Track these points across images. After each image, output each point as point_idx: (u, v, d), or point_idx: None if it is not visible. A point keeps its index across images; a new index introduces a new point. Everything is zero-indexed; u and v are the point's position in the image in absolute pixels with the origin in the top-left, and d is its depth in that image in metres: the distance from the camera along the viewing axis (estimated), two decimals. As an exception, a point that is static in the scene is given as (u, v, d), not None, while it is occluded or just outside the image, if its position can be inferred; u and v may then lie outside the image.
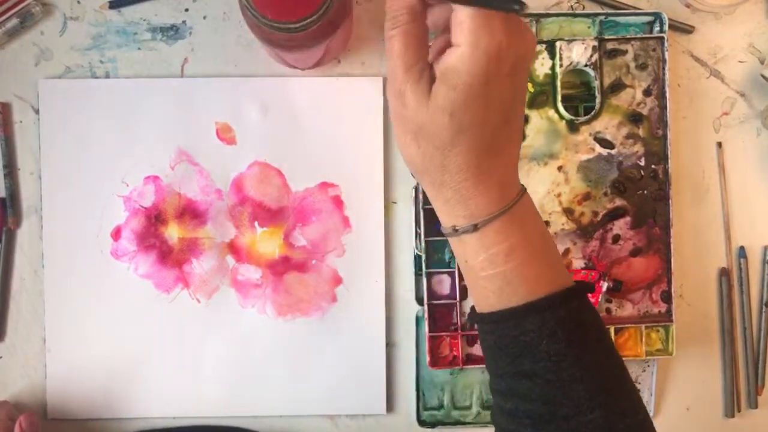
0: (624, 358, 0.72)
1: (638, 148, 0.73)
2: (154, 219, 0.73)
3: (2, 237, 0.73)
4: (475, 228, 0.46)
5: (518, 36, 0.44)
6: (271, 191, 0.73)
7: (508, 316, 0.46)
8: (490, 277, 0.46)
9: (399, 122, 0.46)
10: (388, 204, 0.74)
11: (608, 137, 0.72)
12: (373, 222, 0.74)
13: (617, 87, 0.72)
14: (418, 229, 0.72)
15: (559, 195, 0.72)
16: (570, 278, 0.49)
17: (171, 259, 0.73)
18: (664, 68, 0.72)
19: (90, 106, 0.73)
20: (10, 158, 0.73)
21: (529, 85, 0.72)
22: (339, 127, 0.73)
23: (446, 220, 0.48)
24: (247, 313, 0.73)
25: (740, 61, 0.76)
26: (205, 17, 0.74)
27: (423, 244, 0.72)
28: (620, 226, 0.73)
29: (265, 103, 0.73)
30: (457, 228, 0.46)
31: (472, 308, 0.49)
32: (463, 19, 0.43)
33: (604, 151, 0.72)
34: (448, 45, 0.45)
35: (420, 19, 0.46)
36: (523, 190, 0.48)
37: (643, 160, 0.73)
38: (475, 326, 0.49)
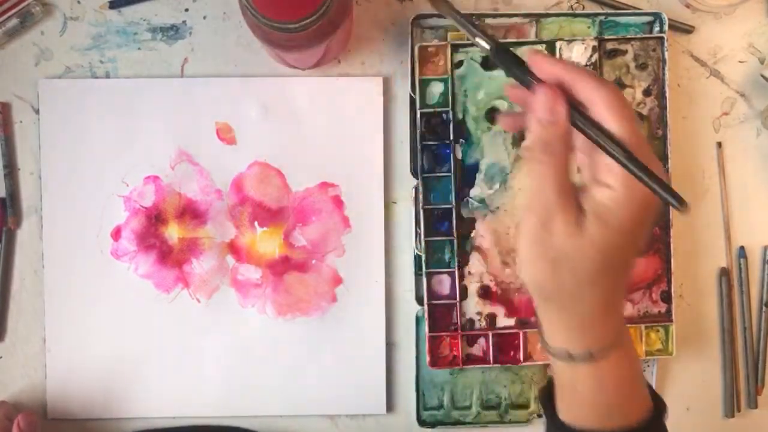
0: (624, 359, 0.73)
1: (638, 148, 0.73)
2: (154, 219, 0.73)
3: (2, 237, 0.73)
4: (591, 357, 0.47)
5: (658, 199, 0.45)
6: (271, 191, 0.73)
7: None
8: (596, 402, 0.48)
9: (536, 247, 0.45)
10: (388, 204, 0.74)
11: (608, 137, 0.72)
12: (373, 222, 0.74)
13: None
14: (418, 229, 0.72)
15: (559, 195, 0.72)
16: (648, 397, 0.51)
17: (171, 259, 0.73)
18: (664, 68, 0.72)
19: (90, 106, 0.73)
20: (10, 158, 0.73)
21: (529, 85, 0.72)
22: (339, 127, 0.74)
23: (560, 343, 0.48)
24: (247, 312, 0.73)
25: (740, 61, 0.76)
26: (205, 17, 0.74)
27: (423, 244, 0.72)
28: (620, 226, 0.73)
29: (265, 103, 0.73)
30: (572, 354, 0.47)
31: (550, 405, 0.50)
32: (618, 168, 0.44)
33: (604, 151, 0.72)
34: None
35: (570, 146, 0.46)
36: (626, 328, 0.50)
37: (643, 160, 0.73)
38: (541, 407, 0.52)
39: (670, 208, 0.69)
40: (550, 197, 0.45)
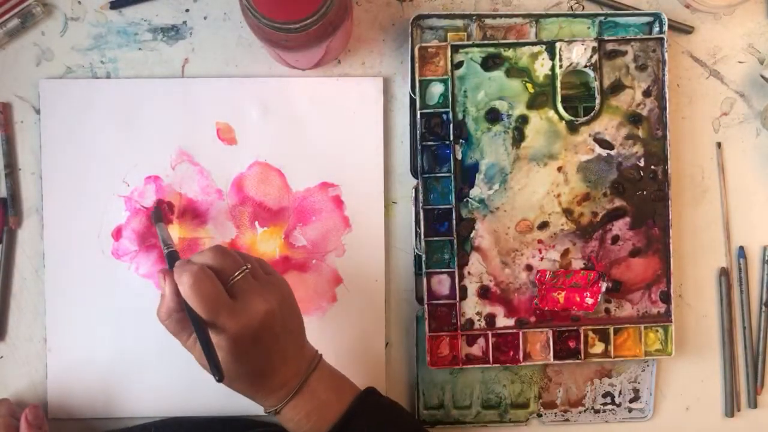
0: (623, 358, 0.73)
1: (638, 148, 0.73)
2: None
3: (3, 237, 0.73)
4: (277, 412, 0.63)
5: (249, 314, 0.59)
6: (272, 191, 0.74)
7: None
8: (305, 428, 0.63)
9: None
10: (388, 204, 0.75)
11: (608, 138, 0.73)
12: (373, 222, 0.74)
13: (617, 88, 0.73)
14: (418, 229, 0.73)
15: (558, 195, 0.72)
16: (353, 389, 0.65)
17: (171, 258, 0.73)
18: (663, 69, 0.73)
19: (91, 107, 0.73)
20: (11, 158, 0.73)
21: (529, 86, 0.72)
22: (339, 127, 0.74)
23: (261, 406, 0.64)
24: (248, 312, 0.73)
25: (740, 62, 0.76)
26: (205, 18, 0.74)
27: (423, 244, 0.72)
28: (620, 227, 0.73)
29: (265, 103, 0.73)
30: (267, 412, 0.63)
31: None
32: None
33: (604, 152, 0.73)
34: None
35: (176, 312, 0.61)
36: (312, 365, 0.64)
37: (642, 160, 0.73)
38: None
39: (669, 209, 0.70)
40: (180, 341, 0.62)
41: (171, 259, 0.64)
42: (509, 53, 0.72)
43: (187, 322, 0.60)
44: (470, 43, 0.72)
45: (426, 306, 0.72)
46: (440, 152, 0.72)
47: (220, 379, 0.57)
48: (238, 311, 0.59)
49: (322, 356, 0.65)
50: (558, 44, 0.71)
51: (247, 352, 0.60)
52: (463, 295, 0.72)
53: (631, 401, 0.76)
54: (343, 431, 0.62)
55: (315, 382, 0.63)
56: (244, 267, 0.61)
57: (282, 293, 0.63)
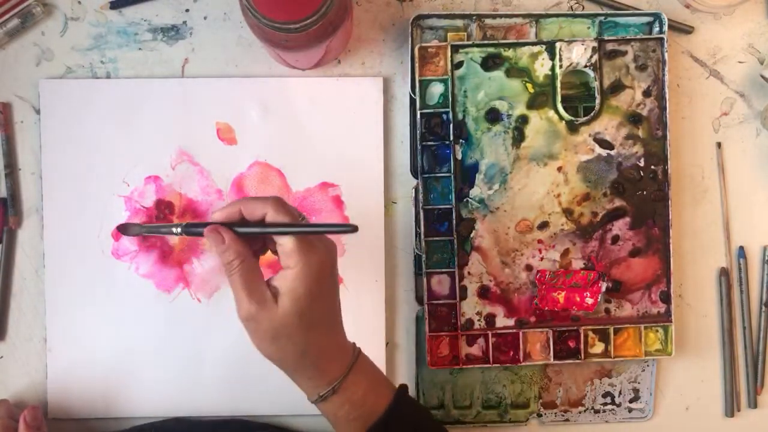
0: (623, 358, 0.73)
1: (638, 148, 0.73)
2: (155, 219, 0.73)
3: (3, 237, 0.73)
4: (334, 390, 0.59)
5: (328, 248, 0.58)
6: (272, 191, 0.74)
7: None
8: (355, 418, 0.60)
9: (255, 335, 0.58)
10: (388, 204, 0.75)
11: (608, 138, 0.73)
12: (373, 222, 0.74)
13: (617, 88, 0.73)
14: (418, 229, 0.73)
15: (558, 195, 0.72)
16: (390, 388, 0.63)
17: (172, 258, 0.73)
18: (663, 69, 0.73)
19: (91, 107, 0.73)
20: (11, 158, 0.73)
21: (529, 86, 0.72)
22: (339, 127, 0.74)
23: (312, 392, 0.60)
24: (248, 312, 0.73)
25: (740, 62, 0.76)
26: (205, 18, 0.74)
27: (423, 244, 0.72)
28: (620, 227, 0.73)
29: (265, 103, 0.73)
30: (322, 394, 0.60)
31: None
32: (290, 248, 0.56)
33: (604, 152, 0.73)
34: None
35: (248, 256, 0.58)
36: (356, 347, 0.62)
37: (642, 160, 0.73)
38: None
39: (669, 209, 0.69)
40: (244, 300, 0.57)
41: (197, 226, 0.61)
42: (509, 53, 0.72)
43: (258, 270, 0.58)
44: (470, 43, 0.72)
45: (426, 306, 0.72)
46: (440, 152, 0.72)
47: (355, 228, 0.55)
48: (318, 242, 0.58)
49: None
50: (558, 44, 0.71)
51: (327, 284, 0.58)
52: (463, 295, 0.72)
53: (631, 401, 0.76)
54: (391, 424, 0.60)
55: (365, 362, 0.62)
56: (304, 215, 0.61)
57: (336, 248, 0.61)
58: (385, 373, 0.73)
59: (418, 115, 0.72)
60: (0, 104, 0.73)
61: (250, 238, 0.59)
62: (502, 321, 0.73)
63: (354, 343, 0.63)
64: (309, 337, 0.58)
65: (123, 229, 0.71)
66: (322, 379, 0.59)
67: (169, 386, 0.73)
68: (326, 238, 0.60)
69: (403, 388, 0.63)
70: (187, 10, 0.74)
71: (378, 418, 0.60)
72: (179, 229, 0.62)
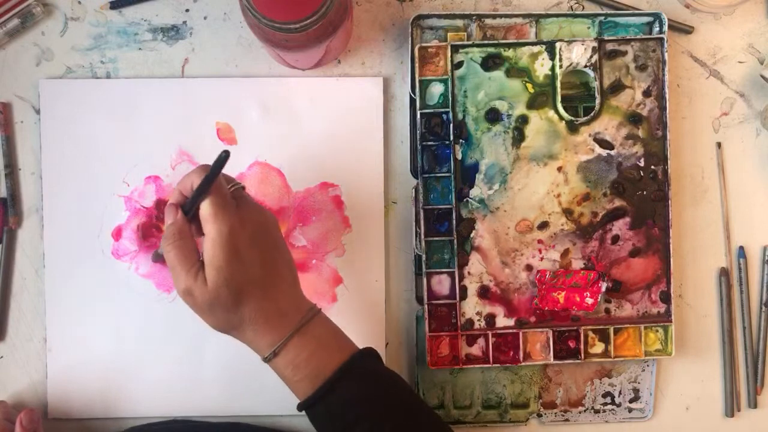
0: (623, 358, 0.73)
1: (638, 148, 0.73)
2: (155, 219, 0.73)
3: (3, 237, 0.73)
4: (275, 353, 0.60)
5: (247, 214, 0.60)
6: (272, 191, 0.74)
7: (319, 396, 0.60)
8: (300, 380, 0.60)
9: (196, 310, 0.60)
10: (388, 204, 0.75)
11: (608, 138, 0.73)
12: (373, 222, 0.74)
13: (617, 88, 0.73)
14: (418, 229, 0.73)
15: (558, 195, 0.72)
16: (352, 345, 0.63)
17: (171, 258, 0.73)
18: (663, 69, 0.73)
19: (91, 107, 0.73)
20: (11, 158, 0.73)
21: (529, 86, 0.72)
22: (339, 127, 0.74)
23: (260, 353, 0.61)
24: (248, 312, 0.73)
25: (740, 62, 0.76)
26: (205, 18, 0.74)
27: (423, 244, 0.72)
28: (620, 227, 0.73)
29: (265, 103, 0.73)
30: (265, 356, 0.61)
31: (298, 403, 0.62)
32: (204, 213, 0.59)
33: (604, 152, 0.73)
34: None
35: (186, 233, 0.60)
36: (313, 311, 0.62)
37: (642, 160, 0.73)
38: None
39: (669, 209, 0.69)
40: (181, 275, 0.59)
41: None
42: (509, 53, 0.72)
43: (194, 250, 0.60)
44: (470, 43, 0.72)
45: (426, 306, 0.72)
46: (440, 152, 0.72)
47: (227, 154, 0.57)
48: (236, 208, 0.60)
49: (321, 309, 0.64)
50: (558, 44, 0.71)
51: (246, 248, 0.59)
52: (463, 295, 0.72)
53: (631, 401, 0.76)
54: (339, 383, 0.60)
55: (317, 325, 0.62)
56: (240, 184, 0.63)
57: (274, 218, 0.63)
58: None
59: (418, 115, 0.72)
60: (0, 104, 0.73)
61: (191, 212, 0.61)
62: (502, 321, 0.73)
63: (311, 304, 0.63)
64: (242, 303, 0.59)
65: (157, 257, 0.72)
66: (263, 342, 0.61)
67: (169, 386, 0.73)
68: (259, 207, 0.62)
69: (365, 351, 0.62)
70: (187, 10, 0.74)
71: (323, 381, 0.60)
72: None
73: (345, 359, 0.60)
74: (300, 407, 0.61)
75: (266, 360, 0.61)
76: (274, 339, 0.60)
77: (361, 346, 0.63)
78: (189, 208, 0.61)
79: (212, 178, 0.59)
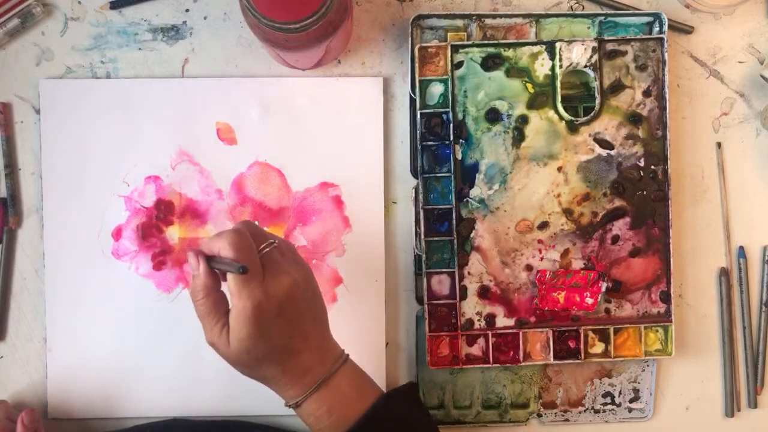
0: (623, 358, 0.73)
1: (638, 148, 0.73)
2: (155, 219, 0.73)
3: (3, 237, 0.73)
4: (297, 405, 0.62)
5: (275, 284, 0.59)
6: (272, 191, 0.74)
7: None
8: (322, 429, 0.62)
9: (221, 357, 0.61)
10: (388, 204, 0.75)
11: (608, 138, 0.73)
12: (373, 222, 0.74)
13: (617, 88, 0.73)
14: (418, 229, 0.73)
15: (558, 195, 0.72)
16: (377, 390, 0.64)
17: (172, 258, 0.73)
18: (663, 69, 0.73)
19: (91, 107, 0.73)
20: (11, 158, 0.73)
21: (529, 86, 0.72)
22: (339, 127, 0.74)
23: (282, 398, 0.63)
24: (248, 312, 0.73)
25: (740, 62, 0.76)
26: (205, 18, 0.74)
27: (423, 244, 0.72)
28: (620, 227, 0.73)
29: (265, 103, 0.73)
30: (288, 405, 0.62)
31: None
32: (230, 286, 0.58)
33: (604, 152, 0.73)
34: None
35: (213, 291, 0.60)
36: (338, 362, 0.63)
37: (642, 160, 0.73)
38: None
39: (669, 209, 0.69)
40: (207, 330, 0.60)
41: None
42: (509, 53, 0.72)
43: (221, 304, 0.60)
44: (470, 43, 0.72)
45: (426, 306, 0.72)
46: (440, 152, 0.72)
47: (244, 270, 0.56)
48: (265, 279, 0.59)
49: (348, 356, 0.64)
50: (558, 44, 0.71)
51: (271, 323, 0.59)
52: (463, 295, 0.72)
53: (631, 401, 0.76)
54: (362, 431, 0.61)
55: (340, 378, 0.62)
56: (272, 241, 0.61)
57: (306, 273, 0.62)
58: (385, 374, 0.73)
59: (418, 115, 0.72)
60: (0, 104, 0.73)
61: (216, 269, 0.61)
62: (502, 321, 0.73)
63: (338, 353, 0.64)
64: (262, 367, 0.61)
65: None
66: (285, 395, 0.62)
67: (169, 386, 0.73)
68: (281, 272, 0.60)
69: (389, 394, 0.64)
70: (187, 10, 0.74)
71: (345, 430, 0.61)
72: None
73: (367, 408, 0.62)
74: None
75: (288, 407, 0.62)
76: (296, 393, 0.61)
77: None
78: (214, 266, 0.60)
79: (222, 266, 0.59)
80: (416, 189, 0.72)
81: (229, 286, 0.58)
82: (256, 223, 0.66)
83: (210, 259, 0.60)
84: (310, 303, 0.62)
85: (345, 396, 0.62)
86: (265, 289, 0.59)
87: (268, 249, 0.60)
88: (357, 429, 0.61)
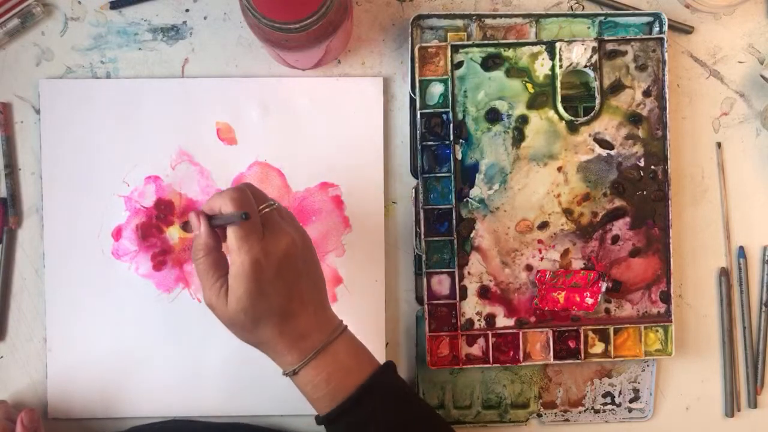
0: (623, 358, 0.73)
1: (638, 148, 0.73)
2: (155, 219, 0.73)
3: (3, 237, 0.73)
4: (295, 372, 0.61)
5: (274, 243, 0.59)
6: (272, 191, 0.74)
7: (339, 413, 0.61)
8: (320, 398, 0.61)
9: (218, 318, 0.61)
10: (388, 204, 0.75)
11: (608, 138, 0.73)
12: (373, 222, 0.74)
13: (617, 88, 0.73)
14: (418, 229, 0.73)
15: (558, 195, 0.72)
16: (375, 362, 0.63)
17: (172, 258, 0.73)
18: (663, 69, 0.73)
19: (91, 107, 0.73)
20: (11, 158, 0.73)
21: (529, 86, 0.72)
22: (339, 127, 0.74)
23: (281, 367, 0.62)
24: (248, 312, 0.73)
25: (740, 62, 0.76)
26: (205, 18, 0.74)
27: (423, 244, 0.72)
28: (620, 227, 0.73)
29: (265, 103, 0.73)
30: (285, 373, 0.62)
31: (317, 416, 0.63)
32: (229, 242, 0.58)
33: (604, 152, 0.73)
34: None
35: (211, 247, 0.60)
36: (336, 331, 0.62)
37: (642, 160, 0.73)
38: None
39: (669, 209, 0.69)
40: (205, 288, 0.60)
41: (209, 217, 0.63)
42: (509, 53, 0.72)
43: (221, 263, 0.60)
44: (470, 43, 0.72)
45: (426, 306, 0.72)
46: (440, 152, 0.72)
47: (246, 217, 0.57)
48: (264, 237, 0.59)
49: (347, 327, 0.64)
50: (558, 44, 0.71)
51: (269, 282, 0.59)
52: (463, 295, 0.72)
53: (631, 401, 0.76)
54: (360, 401, 0.61)
55: (339, 346, 0.62)
56: (272, 203, 0.61)
57: (304, 237, 0.63)
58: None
59: (418, 115, 0.72)
60: (0, 104, 0.73)
61: (217, 227, 0.61)
62: (502, 321, 0.73)
63: (336, 323, 0.63)
64: (259, 329, 0.60)
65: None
66: (282, 361, 0.61)
67: (169, 386, 0.73)
68: (281, 231, 0.60)
69: (384, 366, 0.63)
70: (187, 10, 0.74)
71: (343, 399, 0.61)
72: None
73: (364, 378, 0.61)
74: (319, 421, 0.62)
75: (286, 375, 0.62)
76: (294, 360, 0.61)
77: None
78: (215, 223, 0.60)
79: (235, 221, 0.58)
80: (416, 189, 0.72)
81: (229, 242, 0.58)
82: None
83: (211, 218, 0.60)
84: (309, 267, 0.62)
85: (343, 365, 0.61)
86: (264, 246, 0.59)
87: (268, 210, 0.61)
88: (356, 398, 0.61)
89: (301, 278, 0.61)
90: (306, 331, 0.61)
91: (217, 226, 0.60)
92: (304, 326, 0.61)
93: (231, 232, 0.58)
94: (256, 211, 0.59)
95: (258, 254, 0.58)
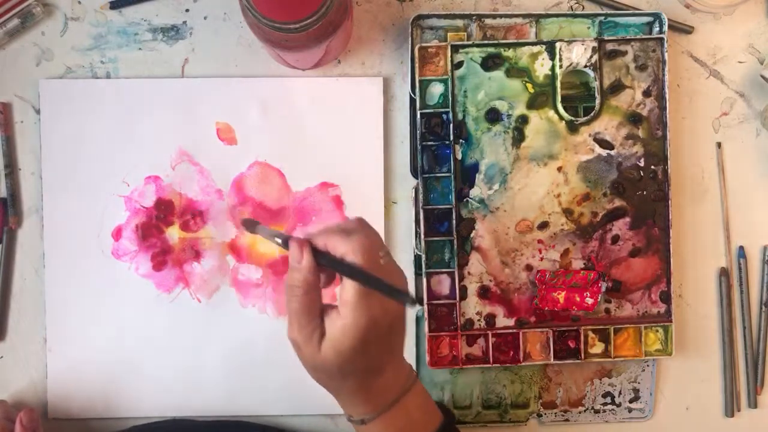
0: (623, 358, 0.73)
1: (638, 148, 0.73)
2: (155, 219, 0.73)
3: (3, 237, 0.73)
4: (363, 422, 0.58)
5: (392, 305, 0.55)
6: (272, 191, 0.74)
7: None
8: None
9: (297, 355, 0.57)
10: (388, 204, 0.75)
11: (608, 138, 0.73)
12: (373, 222, 0.73)
13: (617, 88, 0.73)
14: (418, 229, 0.73)
15: (558, 195, 0.72)
16: (439, 415, 0.61)
17: (172, 258, 0.73)
18: (663, 69, 0.73)
19: (91, 107, 0.73)
20: (11, 158, 0.73)
21: (529, 86, 0.72)
22: (339, 127, 0.74)
23: (346, 412, 0.59)
24: (248, 312, 0.73)
25: (740, 62, 0.76)
26: (205, 17, 0.74)
27: (423, 244, 0.72)
28: (620, 227, 0.73)
29: (265, 103, 0.73)
30: (352, 419, 0.59)
31: None
32: (348, 298, 0.53)
33: (604, 152, 0.73)
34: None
35: (313, 286, 0.55)
36: (409, 381, 0.59)
37: (642, 160, 0.73)
38: None
39: (669, 209, 0.69)
40: (295, 327, 0.55)
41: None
42: (509, 53, 0.72)
43: (316, 303, 0.55)
44: (470, 43, 0.72)
45: (426, 306, 0.72)
46: (440, 152, 0.72)
47: (415, 301, 0.52)
48: (364, 300, 0.54)
49: (417, 373, 0.62)
50: (558, 44, 0.71)
51: (375, 341, 0.55)
52: (463, 295, 0.72)
53: (631, 401, 0.76)
54: None
55: (410, 398, 0.59)
56: (386, 248, 0.56)
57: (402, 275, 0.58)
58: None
59: (418, 115, 0.72)
60: (0, 104, 0.73)
61: (324, 267, 0.56)
62: (502, 321, 0.73)
63: (408, 370, 0.60)
64: (346, 380, 0.56)
65: (248, 225, 0.62)
66: (355, 410, 0.58)
67: (169, 386, 0.73)
68: (401, 276, 0.57)
69: (448, 420, 0.61)
70: (187, 10, 0.74)
71: None
72: (280, 240, 0.58)
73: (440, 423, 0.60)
74: None
75: (351, 420, 0.59)
76: (367, 410, 0.58)
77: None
78: (324, 264, 0.55)
79: (371, 284, 0.53)
80: (416, 189, 0.72)
81: (346, 295, 0.53)
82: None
83: (319, 254, 0.55)
84: (404, 323, 0.58)
85: (412, 419, 0.59)
86: (382, 304, 0.54)
87: (385, 259, 0.55)
88: None
89: (392, 331, 0.57)
90: (387, 385, 0.58)
91: (326, 267, 0.55)
92: (386, 381, 0.58)
93: (351, 287, 0.53)
94: (381, 268, 0.54)
95: (377, 314, 0.54)
